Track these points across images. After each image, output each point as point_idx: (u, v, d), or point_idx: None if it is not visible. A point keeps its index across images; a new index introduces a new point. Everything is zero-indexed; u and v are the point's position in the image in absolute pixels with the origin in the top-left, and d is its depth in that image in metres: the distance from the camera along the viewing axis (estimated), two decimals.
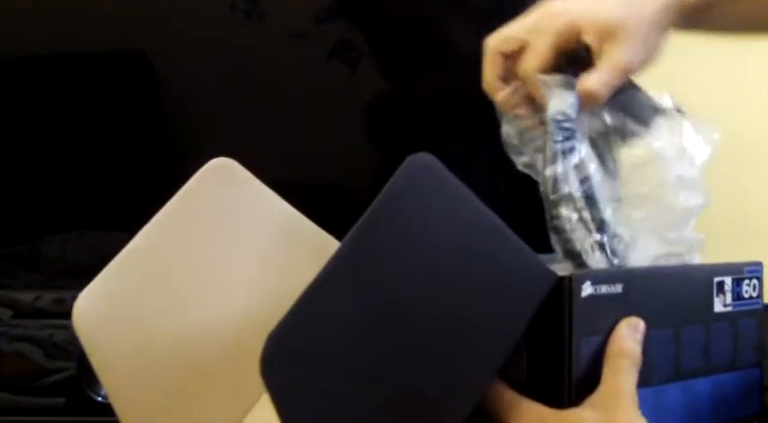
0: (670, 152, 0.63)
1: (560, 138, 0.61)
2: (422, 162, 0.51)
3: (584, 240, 0.60)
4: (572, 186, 0.60)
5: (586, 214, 0.60)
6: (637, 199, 0.62)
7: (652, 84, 0.66)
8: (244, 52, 0.91)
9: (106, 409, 0.84)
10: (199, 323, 0.54)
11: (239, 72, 0.92)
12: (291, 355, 0.47)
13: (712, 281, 0.59)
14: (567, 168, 0.60)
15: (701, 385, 0.58)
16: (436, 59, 0.94)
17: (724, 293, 0.59)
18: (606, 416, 0.50)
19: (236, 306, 0.54)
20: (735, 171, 1.14)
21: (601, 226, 0.60)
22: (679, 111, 0.65)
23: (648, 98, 0.66)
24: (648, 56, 0.63)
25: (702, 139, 0.64)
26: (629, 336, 0.53)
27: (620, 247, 0.61)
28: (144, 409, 0.53)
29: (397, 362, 0.48)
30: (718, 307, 0.59)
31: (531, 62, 0.61)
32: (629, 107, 0.64)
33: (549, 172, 0.60)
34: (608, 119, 0.64)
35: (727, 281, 0.59)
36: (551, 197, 0.60)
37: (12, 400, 0.86)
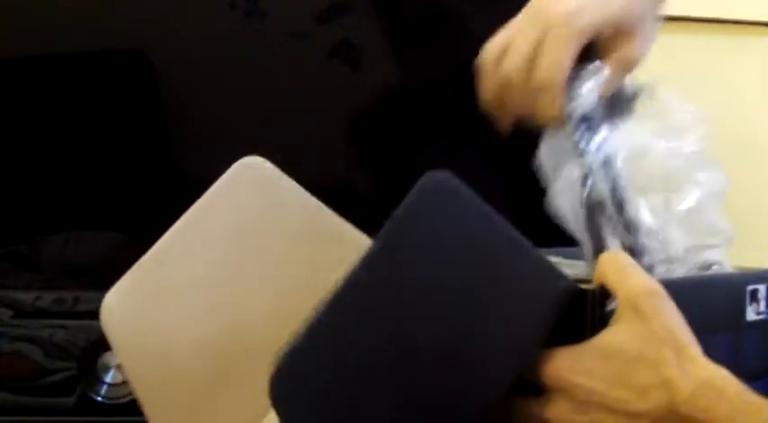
0: (668, 135, 0.62)
1: (583, 132, 0.60)
2: (438, 179, 0.51)
3: (615, 243, 0.59)
4: (601, 184, 0.59)
5: (614, 210, 0.59)
6: (651, 188, 0.61)
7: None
8: (244, 52, 0.91)
9: (106, 409, 0.84)
10: (226, 324, 0.53)
11: (239, 72, 0.92)
12: (300, 375, 0.47)
13: (745, 289, 0.57)
14: (595, 165, 0.59)
15: None
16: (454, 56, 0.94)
17: (757, 302, 0.57)
18: (632, 319, 0.48)
19: (264, 307, 0.54)
20: (740, 172, 1.14)
21: (631, 224, 0.59)
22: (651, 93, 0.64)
23: (624, 86, 0.65)
24: (649, 45, 0.63)
25: (691, 118, 0.62)
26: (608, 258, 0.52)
27: (654, 244, 0.59)
28: (170, 406, 0.53)
29: (409, 381, 0.48)
30: (751, 315, 0.57)
31: (558, 76, 0.59)
32: (610, 98, 0.63)
33: (576, 172, 0.59)
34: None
35: (762, 289, 0.57)
36: (583, 197, 0.59)
37: (12, 400, 0.86)
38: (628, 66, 0.61)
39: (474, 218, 0.51)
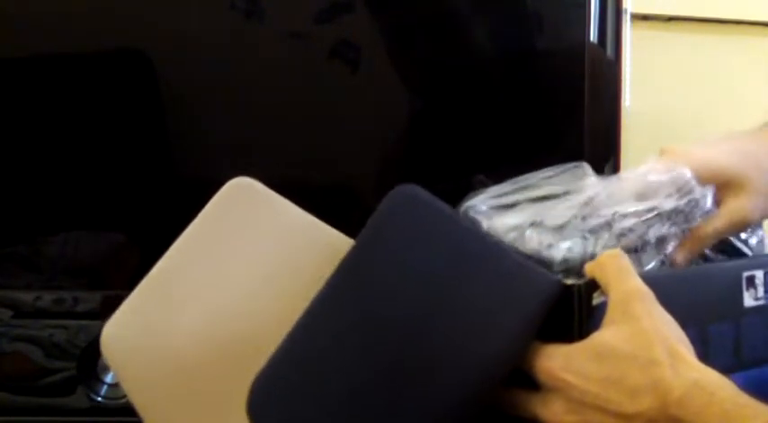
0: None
1: None
2: (406, 193, 0.51)
3: None
4: None
5: None
6: None
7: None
8: (244, 52, 0.91)
9: (106, 410, 0.84)
10: (226, 341, 0.54)
11: (239, 72, 0.92)
12: (279, 395, 0.47)
13: (741, 276, 0.58)
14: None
15: (734, 381, 0.57)
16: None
17: (755, 287, 0.58)
18: (623, 319, 0.49)
19: (264, 322, 0.54)
20: None
21: None
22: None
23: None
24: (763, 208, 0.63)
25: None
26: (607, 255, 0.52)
27: None
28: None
29: (390, 393, 0.48)
30: (749, 301, 0.58)
31: None
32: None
33: None
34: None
35: (758, 274, 0.58)
36: None
37: (12, 400, 0.86)
38: (736, 221, 0.62)
39: (447, 226, 0.51)
